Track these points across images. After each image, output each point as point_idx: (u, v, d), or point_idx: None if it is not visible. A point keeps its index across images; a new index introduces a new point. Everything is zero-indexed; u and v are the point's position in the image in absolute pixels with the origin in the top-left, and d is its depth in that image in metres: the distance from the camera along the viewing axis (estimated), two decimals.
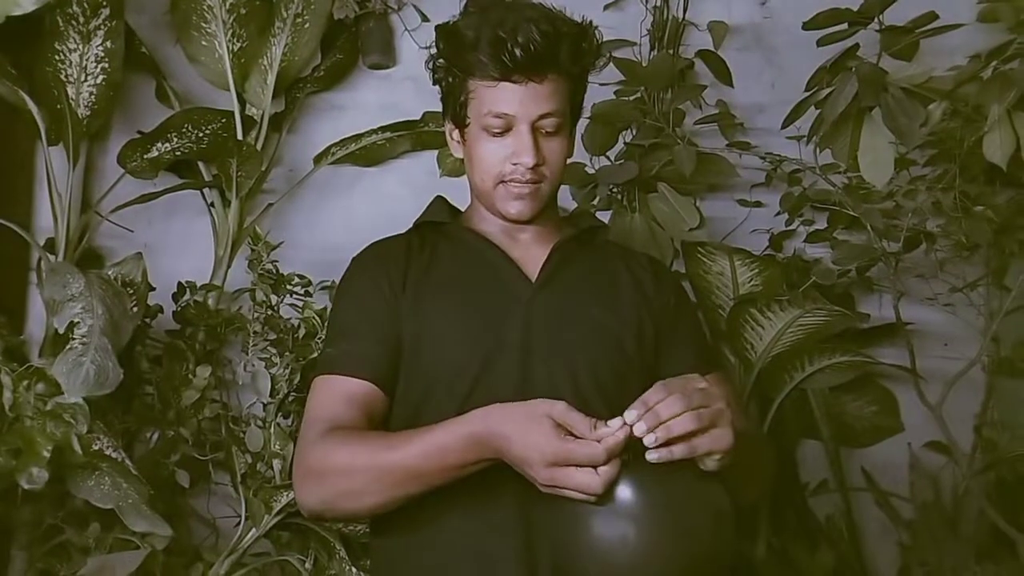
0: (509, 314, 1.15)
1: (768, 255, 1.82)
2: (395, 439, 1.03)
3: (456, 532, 1.08)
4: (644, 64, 1.84)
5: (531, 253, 1.21)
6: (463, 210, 1.32)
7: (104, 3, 1.68)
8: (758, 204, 1.88)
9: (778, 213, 1.84)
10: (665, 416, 0.88)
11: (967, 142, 1.50)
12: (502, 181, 1.16)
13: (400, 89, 1.96)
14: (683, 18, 1.93)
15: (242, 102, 1.81)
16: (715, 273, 1.68)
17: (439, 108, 1.84)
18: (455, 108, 1.19)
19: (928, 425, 1.82)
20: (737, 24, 1.96)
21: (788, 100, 1.71)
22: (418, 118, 1.90)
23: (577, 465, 0.88)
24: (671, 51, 1.82)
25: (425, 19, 1.95)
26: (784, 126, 1.64)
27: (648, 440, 0.87)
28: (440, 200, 1.34)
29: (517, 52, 1.08)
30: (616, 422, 0.89)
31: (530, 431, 0.91)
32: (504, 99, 1.11)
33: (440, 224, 1.28)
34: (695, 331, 1.29)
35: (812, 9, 1.61)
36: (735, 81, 1.89)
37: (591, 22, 1.19)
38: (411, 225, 1.31)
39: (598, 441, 0.88)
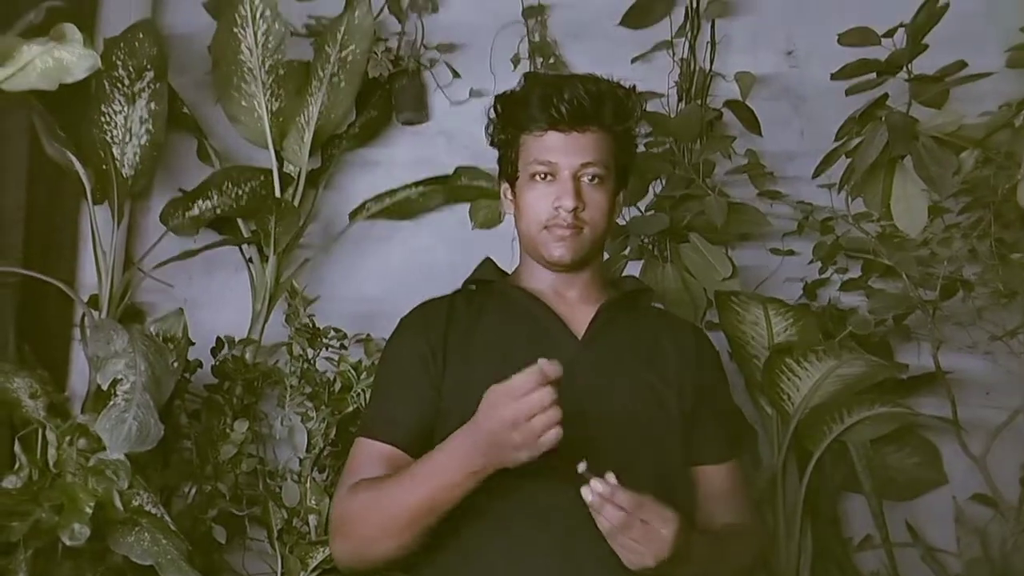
0: None
1: (802, 304, 1.81)
2: (401, 481, 1.09)
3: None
4: (672, 116, 1.86)
5: (577, 312, 1.26)
6: (510, 272, 1.38)
7: (148, 66, 1.74)
8: (790, 252, 1.88)
9: (811, 261, 1.84)
10: (616, 499, 0.98)
11: (1001, 189, 1.49)
12: (546, 226, 1.23)
13: (433, 144, 2.00)
14: (710, 69, 1.96)
15: (280, 160, 1.86)
16: (749, 323, 1.68)
17: (471, 163, 1.94)
18: (508, 164, 1.29)
19: (972, 477, 1.78)
20: (764, 75, 1.97)
21: (818, 149, 1.72)
22: (450, 172, 1.93)
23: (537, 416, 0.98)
24: (699, 102, 1.84)
25: (456, 75, 2.00)
26: (815, 175, 1.64)
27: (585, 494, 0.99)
28: (488, 261, 1.40)
29: (563, 106, 1.19)
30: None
31: (492, 416, 1.00)
32: (549, 147, 1.21)
33: (488, 283, 1.32)
34: (727, 414, 1.36)
35: (839, 58, 1.63)
36: (764, 130, 1.90)
37: (634, 87, 1.29)
38: (459, 285, 1.36)
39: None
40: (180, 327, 1.63)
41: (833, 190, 1.73)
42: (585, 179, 1.22)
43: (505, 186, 1.33)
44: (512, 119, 1.28)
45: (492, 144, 1.35)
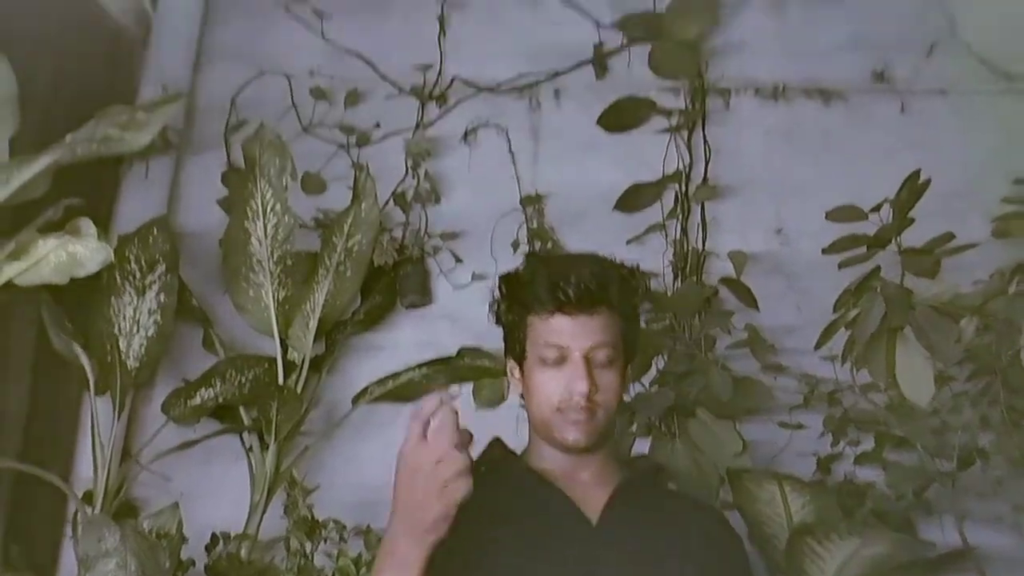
0: (566, 557, 1.14)
1: (818, 480, 1.76)
2: None
3: None
4: (670, 293, 1.90)
5: (591, 494, 1.23)
6: (519, 452, 1.35)
7: (160, 260, 1.80)
8: (799, 426, 1.85)
9: (822, 434, 1.81)
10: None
11: (1004, 356, 1.50)
12: (559, 410, 1.21)
13: (436, 327, 2.02)
14: (703, 249, 2.03)
15: (284, 347, 1.87)
16: (764, 501, 1.62)
17: (473, 343, 1.96)
18: (515, 344, 1.29)
19: None
20: (756, 252, 2.03)
21: (816, 321, 1.74)
22: (454, 354, 1.94)
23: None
24: (695, 279, 1.89)
25: (459, 261, 2.06)
26: (817, 347, 1.65)
27: None
28: (497, 442, 1.37)
29: (570, 289, 1.21)
30: None
31: (398, 483, 1.00)
32: (558, 330, 1.22)
33: (497, 464, 1.29)
34: None
35: (827, 233, 1.69)
36: (761, 305, 1.94)
37: (637, 265, 1.32)
38: None
39: None
40: (175, 523, 1.57)
41: (836, 361, 1.73)
42: (596, 360, 1.22)
43: (512, 365, 1.33)
44: (518, 300, 1.29)
45: (497, 323, 1.37)
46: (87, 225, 1.50)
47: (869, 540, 1.46)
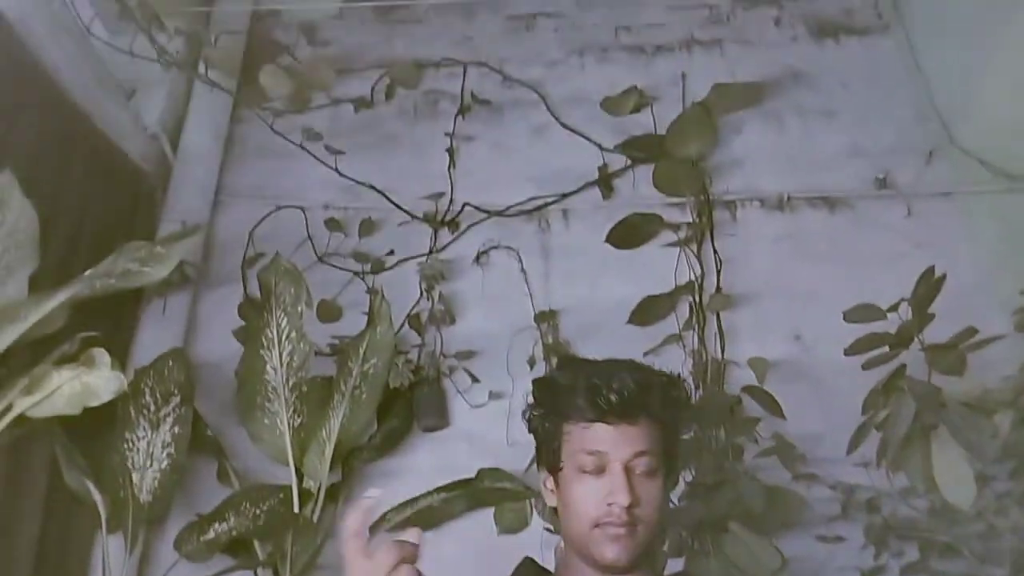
0: None
1: None
2: None
3: None
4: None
5: None
6: (552, 570, 1.27)
7: (176, 392, 1.79)
8: (838, 539, 1.77)
9: (864, 546, 1.72)
10: None
11: None
12: (597, 524, 1.14)
13: (454, 449, 1.99)
14: (723, 358, 2.00)
15: (300, 475, 1.83)
16: None
17: (493, 464, 1.91)
18: (549, 453, 1.21)
19: None
20: (775, 359, 2.01)
21: (844, 426, 1.70)
22: (473, 476, 1.89)
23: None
24: (717, 388, 1.86)
25: (475, 380, 2.04)
26: (849, 452, 1.60)
27: None
28: (529, 562, 1.29)
29: (612, 397, 1.15)
30: None
31: None
32: (598, 438, 1.15)
33: None
34: None
35: (844, 338, 1.67)
36: (786, 413, 1.89)
37: (679, 374, 1.27)
38: None
39: None
40: None
41: (870, 467, 1.67)
42: (637, 471, 1.15)
43: (545, 475, 1.25)
44: (555, 407, 1.22)
45: (529, 430, 1.29)
46: (101, 356, 1.50)
47: None
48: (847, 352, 1.58)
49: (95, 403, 1.46)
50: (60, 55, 2.00)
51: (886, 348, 1.55)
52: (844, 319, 1.58)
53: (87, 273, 1.58)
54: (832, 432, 1.82)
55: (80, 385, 1.45)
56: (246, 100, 2.48)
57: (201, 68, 2.39)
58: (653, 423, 1.18)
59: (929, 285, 1.47)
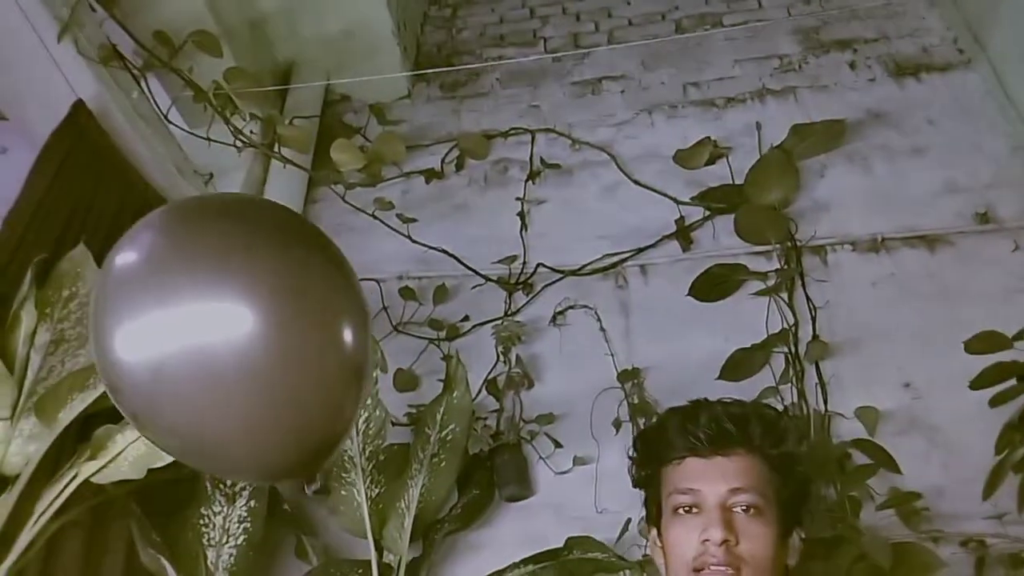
0: None
1: None
2: None
3: None
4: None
5: None
6: None
7: None
8: None
9: None
10: None
11: None
12: (696, 569, 1.03)
13: (539, 519, 1.87)
14: (826, 410, 1.85)
15: (379, 549, 1.74)
16: None
17: (581, 533, 1.78)
18: (651, 504, 1.16)
19: None
20: (886, 409, 1.84)
21: (968, 477, 1.54)
22: (561, 546, 1.76)
23: None
24: (824, 437, 1.71)
25: (558, 445, 1.94)
26: (985, 498, 1.43)
27: None
28: None
29: (702, 430, 1.09)
30: None
31: None
32: (690, 474, 1.09)
33: None
34: None
35: (959, 381, 1.54)
36: (901, 466, 1.72)
37: (786, 408, 1.16)
38: None
39: None
40: None
41: (1006, 519, 1.49)
42: (738, 510, 1.05)
43: (653, 532, 1.17)
44: (652, 454, 1.16)
45: (635, 485, 1.22)
46: None
47: None
48: (972, 386, 1.43)
49: (159, 464, 1.41)
50: (138, 141, 2.08)
51: (1014, 381, 1.39)
52: (965, 350, 1.44)
53: None
54: (955, 485, 1.68)
55: (144, 446, 1.41)
56: (320, 178, 2.52)
57: (275, 150, 2.44)
58: (753, 458, 1.09)
59: None
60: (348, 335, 0.94)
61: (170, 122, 2.24)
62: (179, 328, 0.84)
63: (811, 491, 1.18)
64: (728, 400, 1.16)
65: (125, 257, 0.88)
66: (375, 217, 2.35)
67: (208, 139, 2.34)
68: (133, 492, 1.58)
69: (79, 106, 1.92)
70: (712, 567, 1.02)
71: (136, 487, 1.52)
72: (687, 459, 1.09)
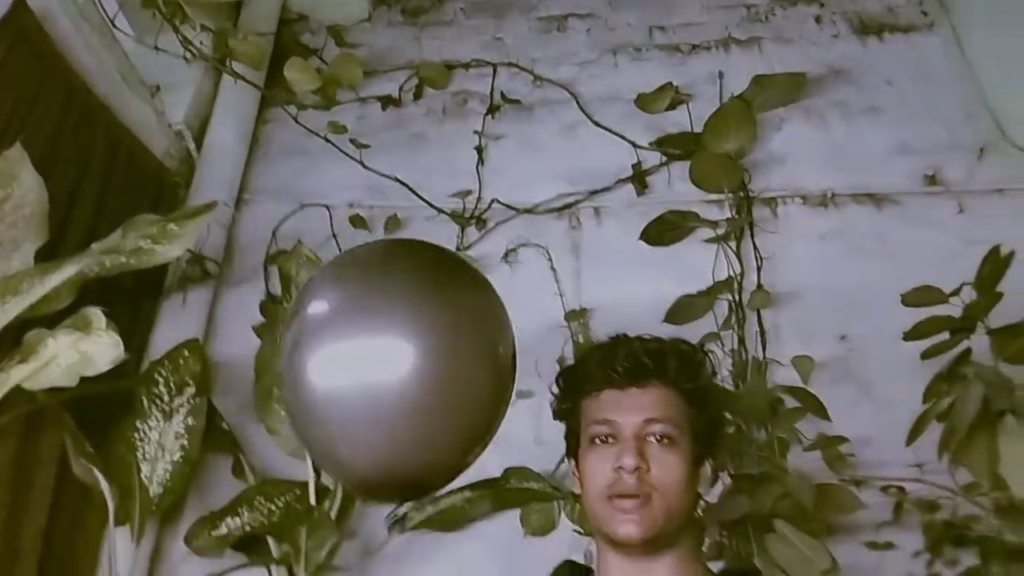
0: None
1: None
2: None
3: None
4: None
5: None
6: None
7: (190, 382, 1.72)
8: (889, 546, 1.64)
9: (916, 553, 1.59)
10: None
11: None
12: (610, 497, 1.05)
13: None
14: (764, 357, 1.89)
15: (318, 472, 1.74)
16: None
17: (519, 463, 1.81)
18: (571, 436, 1.17)
19: None
20: (821, 359, 1.89)
21: (895, 429, 1.60)
22: (499, 475, 1.79)
23: None
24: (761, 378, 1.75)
25: None
26: (908, 444, 1.48)
27: None
28: (565, 564, 1.20)
29: (620, 364, 1.10)
30: None
31: None
32: (607, 405, 1.10)
33: None
34: None
35: (894, 336, 1.58)
36: (832, 415, 1.77)
37: (702, 344, 1.21)
38: None
39: None
40: None
41: (926, 468, 1.55)
42: (651, 439, 1.07)
43: (572, 463, 1.19)
44: (572, 387, 1.18)
45: (555, 418, 1.23)
46: (97, 317, 1.42)
47: None
48: (906, 337, 1.47)
49: (92, 372, 1.38)
50: (83, 47, 1.99)
51: (947, 335, 1.43)
52: (902, 302, 1.48)
53: (94, 246, 1.52)
54: (882, 434, 1.73)
55: (77, 354, 1.37)
56: (272, 98, 2.45)
57: (227, 65, 2.36)
58: (669, 390, 1.10)
59: (996, 263, 1.36)
60: (497, 357, 1.08)
61: (116, 28, 2.15)
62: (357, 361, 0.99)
63: (724, 425, 1.21)
64: (647, 336, 1.17)
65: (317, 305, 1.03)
66: (328, 140, 2.30)
67: (156, 48, 2.26)
68: (66, 402, 1.56)
69: (20, 5, 1.82)
70: (625, 496, 1.04)
71: (69, 397, 1.49)
72: (605, 391, 1.11)
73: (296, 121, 2.36)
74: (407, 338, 0.98)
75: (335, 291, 1.04)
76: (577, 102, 2.45)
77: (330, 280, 1.08)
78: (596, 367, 1.13)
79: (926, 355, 1.46)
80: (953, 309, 1.48)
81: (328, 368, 0.97)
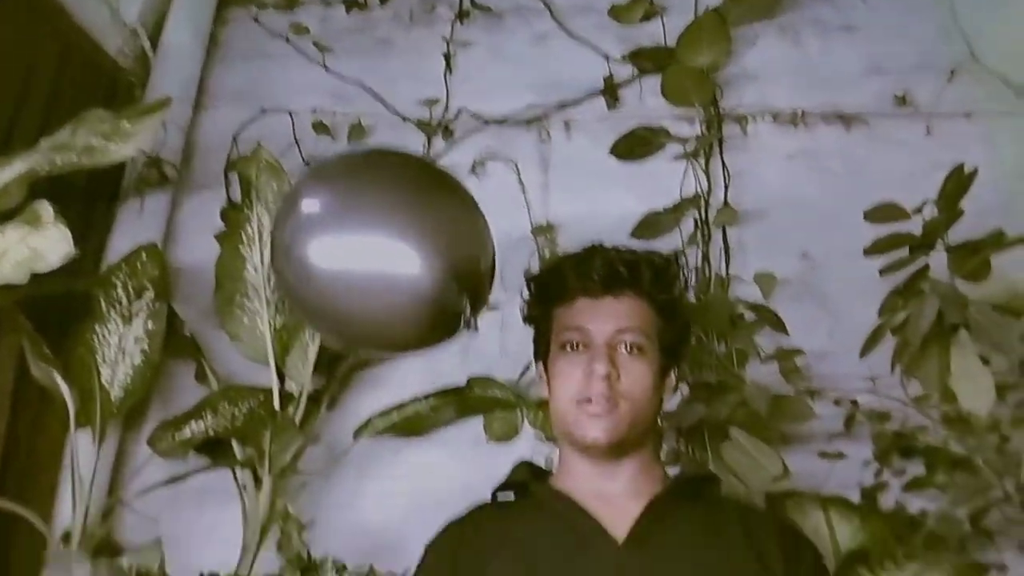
0: None
1: (867, 504, 1.60)
2: None
3: None
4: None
5: (622, 510, 1.06)
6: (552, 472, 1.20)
7: (149, 287, 1.69)
8: (840, 456, 1.70)
9: (866, 463, 1.66)
10: None
11: None
12: (577, 402, 1.08)
13: (445, 360, 1.89)
14: (727, 273, 1.91)
15: (281, 377, 1.75)
16: (809, 530, 1.45)
17: (484, 373, 1.83)
18: (541, 341, 1.18)
19: None
20: (783, 276, 1.92)
21: (851, 344, 1.63)
22: (463, 384, 1.81)
23: None
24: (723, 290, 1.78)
25: None
26: (862, 355, 1.52)
27: None
28: (523, 465, 1.22)
29: (595, 273, 1.12)
30: None
31: None
32: (580, 313, 1.11)
33: (520, 489, 1.14)
34: None
35: (856, 255, 1.60)
36: (791, 330, 1.81)
37: (676, 255, 1.22)
38: (490, 494, 1.18)
39: None
40: (157, 561, 1.42)
41: (879, 382, 1.60)
42: (622, 348, 1.09)
43: (540, 367, 1.20)
44: (544, 293, 1.19)
45: (525, 322, 1.24)
46: (46, 210, 1.38)
47: (929, 566, 1.29)
48: (866, 251, 1.49)
49: (43, 268, 1.35)
50: None
51: (907, 251, 1.45)
52: (865, 218, 1.49)
53: (43, 142, 1.46)
54: (838, 349, 1.77)
55: (27, 249, 1.34)
56: None
57: None
58: (641, 301, 1.12)
59: (959, 181, 1.38)
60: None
61: None
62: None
63: (690, 336, 1.24)
64: (622, 247, 1.18)
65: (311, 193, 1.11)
66: (289, 42, 2.22)
67: None
68: (22, 304, 1.52)
69: None
70: (594, 402, 1.06)
71: (24, 298, 1.46)
72: (578, 299, 1.12)
73: (256, 22, 2.26)
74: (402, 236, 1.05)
75: (324, 191, 1.09)
76: (550, 11, 2.38)
77: (318, 181, 1.13)
78: (571, 275, 1.14)
79: (885, 271, 1.48)
80: (915, 227, 1.50)
81: (332, 254, 1.04)
